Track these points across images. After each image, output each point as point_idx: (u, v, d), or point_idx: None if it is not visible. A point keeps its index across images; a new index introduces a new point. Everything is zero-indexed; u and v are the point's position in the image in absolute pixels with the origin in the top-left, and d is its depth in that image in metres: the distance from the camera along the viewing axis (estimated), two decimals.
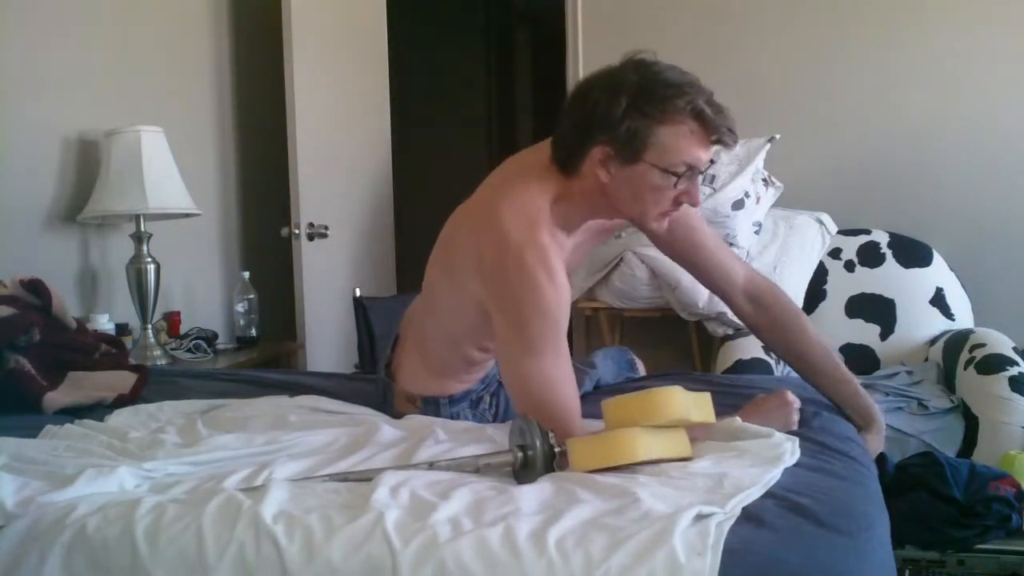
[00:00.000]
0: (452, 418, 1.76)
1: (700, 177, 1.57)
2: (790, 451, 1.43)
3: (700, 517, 1.16)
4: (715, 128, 1.50)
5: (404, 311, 3.07)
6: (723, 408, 1.57)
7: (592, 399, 1.78)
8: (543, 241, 1.51)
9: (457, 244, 1.66)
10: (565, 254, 1.61)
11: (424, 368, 1.77)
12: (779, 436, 1.48)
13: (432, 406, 1.77)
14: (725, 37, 3.74)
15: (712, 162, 1.57)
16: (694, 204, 1.60)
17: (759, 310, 1.86)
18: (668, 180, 1.52)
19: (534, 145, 1.71)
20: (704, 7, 3.77)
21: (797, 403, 1.66)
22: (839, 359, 1.90)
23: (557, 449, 1.40)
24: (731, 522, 1.16)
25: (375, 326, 2.91)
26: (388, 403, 1.85)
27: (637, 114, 1.47)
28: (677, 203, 1.58)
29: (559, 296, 1.51)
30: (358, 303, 2.95)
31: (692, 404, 1.46)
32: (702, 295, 3.11)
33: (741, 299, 1.86)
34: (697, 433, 1.49)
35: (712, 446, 1.48)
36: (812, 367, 1.87)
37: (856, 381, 1.87)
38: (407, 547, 1.13)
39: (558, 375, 1.52)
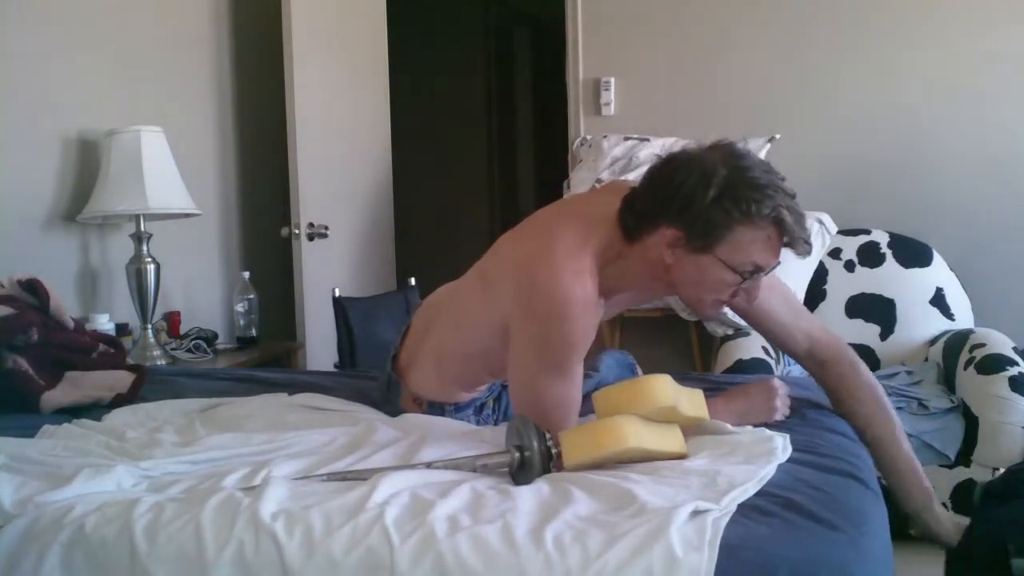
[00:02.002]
0: None
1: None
2: (782, 447, 1.43)
3: (696, 513, 1.16)
4: (793, 238, 1.49)
5: (382, 311, 3.10)
6: (710, 396, 1.58)
7: (589, 398, 1.78)
8: (585, 276, 1.52)
9: (501, 260, 1.68)
10: (600, 311, 1.60)
11: (437, 375, 1.77)
12: (769, 432, 1.49)
13: (437, 410, 1.77)
14: (725, 37, 3.75)
15: (779, 263, 1.55)
16: (751, 301, 1.59)
17: (823, 372, 1.80)
18: (733, 277, 1.51)
19: (610, 187, 1.70)
20: (704, 7, 3.77)
21: (782, 390, 1.66)
22: (903, 435, 1.79)
23: (554, 450, 1.41)
24: (727, 518, 1.16)
25: (354, 326, 2.92)
26: (392, 396, 1.84)
27: (719, 209, 1.45)
28: (734, 295, 1.57)
29: (588, 330, 1.53)
30: (337, 303, 2.96)
31: (683, 396, 1.47)
32: None
33: (806, 360, 1.81)
34: (691, 432, 1.50)
35: (705, 441, 1.48)
36: (875, 440, 1.75)
37: (917, 464, 1.78)
38: (406, 542, 1.14)
39: (569, 398, 1.54)
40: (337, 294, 3.00)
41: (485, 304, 1.65)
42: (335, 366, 3.09)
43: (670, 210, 1.49)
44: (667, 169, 1.53)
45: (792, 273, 3.23)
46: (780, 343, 1.82)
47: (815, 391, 1.90)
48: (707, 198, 1.45)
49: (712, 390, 1.77)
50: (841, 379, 1.79)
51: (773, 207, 1.45)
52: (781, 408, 1.66)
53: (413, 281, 3.45)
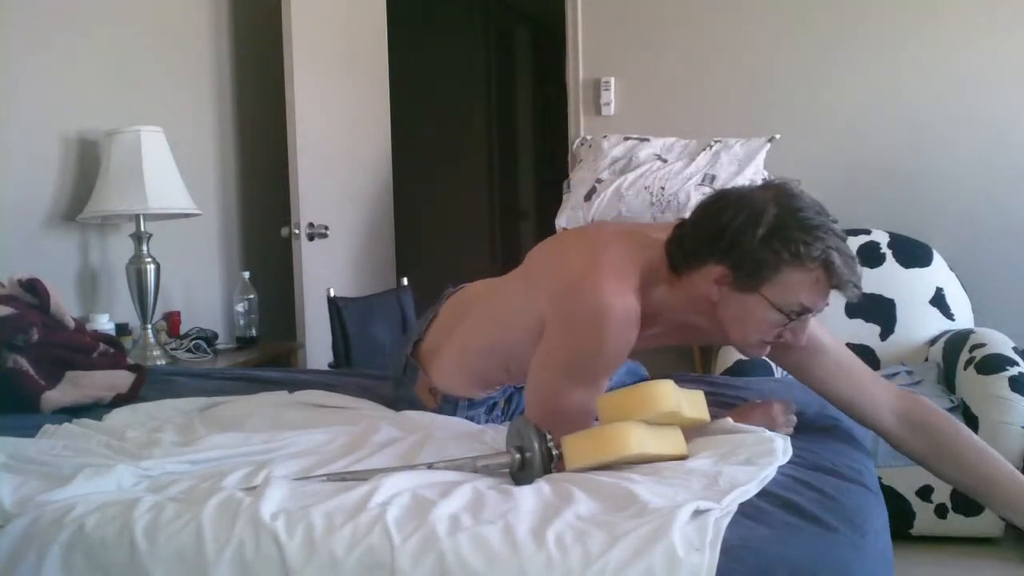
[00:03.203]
0: (467, 419, 1.77)
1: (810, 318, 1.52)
2: (782, 448, 1.43)
3: (697, 513, 1.16)
4: (842, 283, 1.46)
5: (376, 311, 3.11)
6: (716, 412, 1.57)
7: None
8: (628, 291, 1.51)
9: (547, 258, 1.68)
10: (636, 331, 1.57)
11: (457, 368, 1.77)
12: (770, 433, 1.49)
13: (450, 404, 1.77)
14: (725, 37, 3.75)
15: (827, 304, 1.51)
16: (797, 343, 1.54)
17: (916, 433, 1.64)
18: (779, 317, 1.49)
19: (657, 224, 1.65)
20: (704, 7, 3.77)
21: (784, 410, 1.63)
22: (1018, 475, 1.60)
23: (555, 452, 1.41)
24: (728, 518, 1.16)
25: (348, 325, 2.93)
26: (407, 381, 1.83)
27: (768, 249, 1.44)
28: (779, 337, 1.53)
29: (623, 344, 1.52)
30: (332, 303, 2.96)
31: (684, 399, 1.46)
32: None
33: (893, 424, 1.65)
34: (691, 433, 1.50)
35: (706, 441, 1.48)
36: (990, 480, 1.59)
37: None
38: (407, 541, 1.14)
39: (586, 409, 1.53)
40: (332, 294, 3.00)
41: (523, 300, 1.65)
42: (329, 366, 3.10)
43: (718, 247, 1.48)
44: (717, 206, 1.51)
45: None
46: (860, 404, 1.67)
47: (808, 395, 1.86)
48: (756, 237, 1.44)
49: (712, 391, 1.78)
50: (939, 436, 1.63)
51: (823, 249, 1.43)
52: (782, 423, 1.63)
53: (405, 281, 3.47)
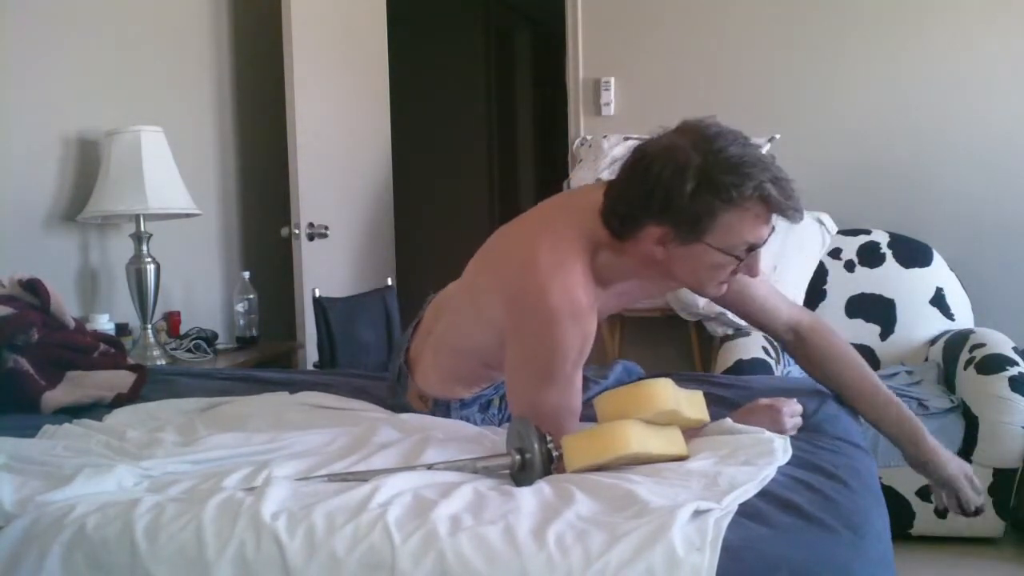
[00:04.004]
0: (462, 420, 1.77)
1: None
2: (782, 448, 1.43)
3: (698, 513, 1.16)
4: (781, 209, 1.45)
5: (361, 311, 3.12)
6: (717, 411, 1.57)
7: (590, 403, 1.78)
8: (574, 281, 1.50)
9: (487, 268, 1.68)
10: (598, 303, 1.57)
11: (436, 371, 1.77)
12: (770, 434, 1.49)
13: (443, 407, 1.77)
14: (725, 37, 3.75)
15: (773, 229, 1.51)
16: (753, 276, 1.58)
17: (798, 339, 1.82)
18: (728, 259, 1.49)
19: (594, 185, 1.66)
20: (704, 7, 3.77)
21: (790, 411, 1.63)
22: (883, 387, 1.81)
23: (555, 453, 1.41)
24: (729, 519, 1.16)
25: (333, 325, 2.94)
26: (400, 390, 1.83)
27: (701, 201, 1.42)
28: (734, 273, 1.55)
29: (581, 337, 1.50)
30: (317, 303, 2.98)
31: (683, 399, 1.46)
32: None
33: (784, 333, 1.82)
34: (691, 434, 1.50)
35: (706, 442, 1.48)
36: (848, 386, 1.79)
37: (903, 406, 1.77)
38: (408, 541, 1.14)
39: (564, 406, 1.53)
40: (317, 294, 3.01)
41: (478, 302, 1.65)
42: (315, 365, 3.11)
43: (651, 208, 1.46)
44: (640, 165, 1.49)
45: (792, 273, 3.23)
46: (762, 321, 1.83)
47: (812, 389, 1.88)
48: (686, 192, 1.42)
49: (712, 392, 1.77)
50: (825, 346, 1.80)
51: (755, 185, 1.41)
52: (790, 426, 1.61)
53: (390, 281, 3.48)
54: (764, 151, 3.51)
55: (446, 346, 1.75)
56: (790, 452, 1.44)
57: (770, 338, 2.83)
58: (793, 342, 1.82)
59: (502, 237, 1.72)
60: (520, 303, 1.51)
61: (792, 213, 1.46)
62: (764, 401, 1.65)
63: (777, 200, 1.43)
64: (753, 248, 1.49)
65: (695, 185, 1.41)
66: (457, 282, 1.83)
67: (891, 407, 1.75)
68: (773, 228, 1.50)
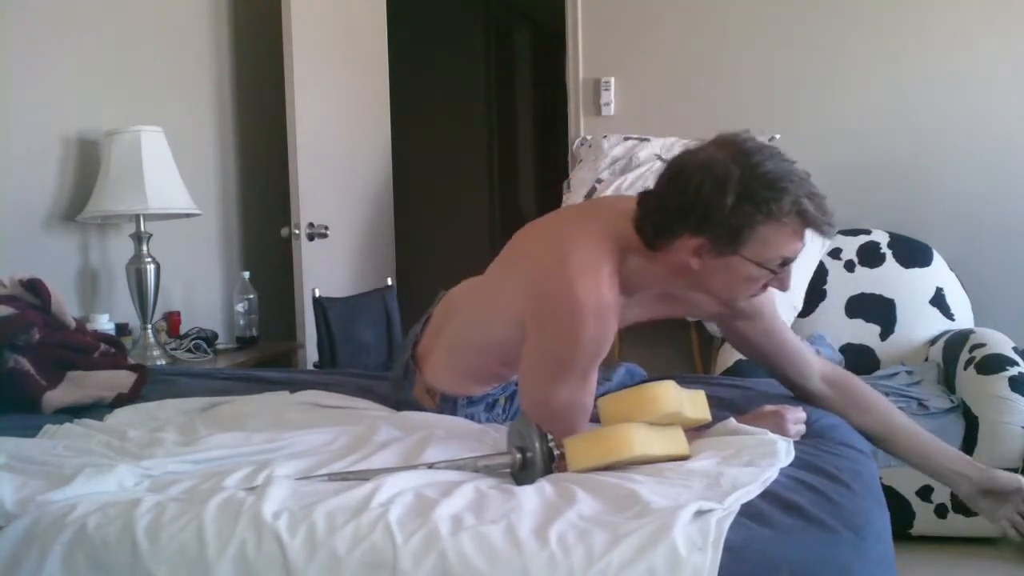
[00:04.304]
0: (467, 418, 1.77)
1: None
2: (785, 450, 1.43)
3: (700, 513, 1.16)
4: (816, 224, 1.48)
5: (361, 311, 3.12)
6: (717, 413, 1.57)
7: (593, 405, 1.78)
8: (602, 277, 1.51)
9: (515, 262, 1.69)
10: (620, 310, 1.58)
11: (450, 367, 1.78)
12: (773, 435, 1.49)
13: (449, 403, 1.78)
14: (725, 37, 3.75)
15: (803, 245, 1.54)
16: (784, 290, 1.59)
17: (836, 391, 1.82)
18: (762, 272, 1.51)
19: (626, 196, 1.68)
20: (704, 7, 3.77)
21: (794, 418, 1.63)
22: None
23: (556, 452, 1.41)
24: (731, 519, 1.16)
25: (333, 325, 2.94)
26: (407, 384, 1.84)
27: (741, 214, 1.44)
28: (765, 287, 1.57)
29: (602, 334, 1.52)
30: (317, 303, 2.98)
31: (686, 399, 1.46)
32: None
33: (819, 384, 1.82)
34: (694, 434, 1.51)
35: (709, 442, 1.48)
36: (895, 428, 1.80)
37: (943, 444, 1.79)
38: (409, 540, 1.14)
39: (578, 403, 1.54)
40: (317, 294, 3.02)
41: (500, 295, 1.66)
42: (315, 365, 3.12)
43: (690, 219, 1.48)
44: (679, 178, 1.50)
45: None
46: (793, 366, 1.82)
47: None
48: (726, 204, 1.43)
49: (712, 392, 1.77)
50: (866, 392, 1.82)
51: (793, 200, 1.44)
52: (794, 432, 1.62)
53: (390, 281, 3.48)
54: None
55: (465, 341, 1.76)
56: (793, 454, 1.44)
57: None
58: (830, 392, 1.82)
59: (532, 232, 1.73)
60: (546, 294, 1.53)
61: (827, 228, 1.49)
62: (769, 408, 1.66)
63: (813, 215, 1.46)
64: (787, 262, 1.52)
65: (735, 198, 1.44)
66: (477, 278, 1.84)
67: (936, 444, 1.78)
68: (804, 245, 1.53)
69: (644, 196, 1.57)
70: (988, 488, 1.70)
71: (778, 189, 1.43)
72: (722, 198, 1.44)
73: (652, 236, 1.53)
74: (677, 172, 1.51)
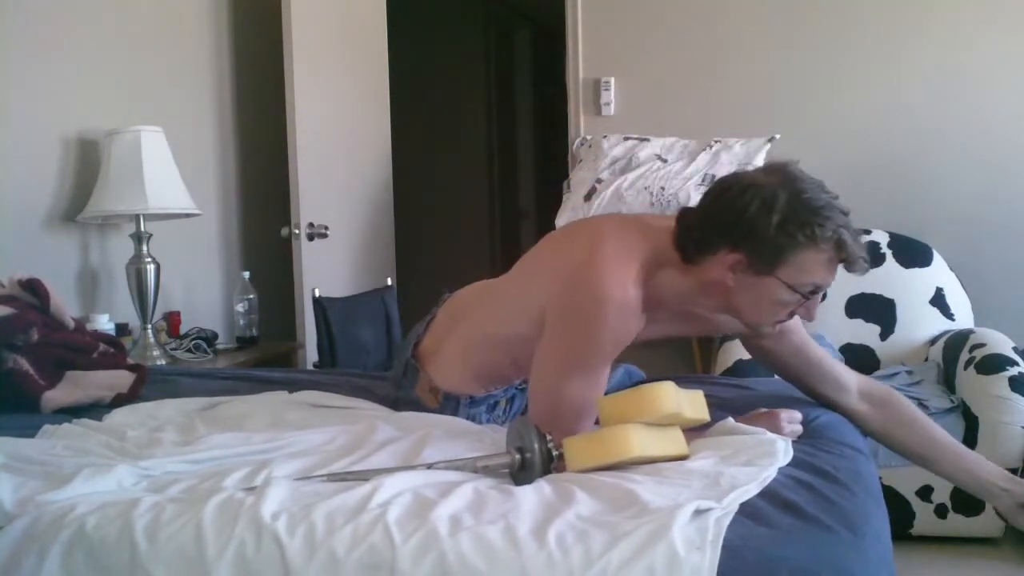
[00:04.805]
0: (468, 418, 1.77)
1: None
2: (783, 450, 1.43)
3: (698, 513, 1.16)
4: (853, 259, 1.52)
5: (360, 311, 3.13)
6: (716, 414, 1.58)
7: None
8: (629, 279, 1.53)
9: (547, 255, 1.72)
10: (642, 322, 1.61)
11: (460, 365, 1.78)
12: (772, 435, 1.49)
13: (452, 402, 1.78)
14: (725, 37, 3.75)
15: (833, 279, 1.57)
16: (810, 319, 1.61)
17: (875, 408, 1.80)
18: (793, 297, 1.54)
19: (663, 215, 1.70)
20: (704, 7, 3.77)
21: (789, 417, 1.63)
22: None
23: (555, 452, 1.41)
24: (729, 518, 1.16)
25: (333, 325, 2.95)
26: (407, 384, 1.84)
27: (784, 234, 1.48)
28: (792, 315, 1.60)
29: (621, 332, 1.54)
30: (317, 303, 2.98)
31: (685, 400, 1.47)
32: None
33: (857, 401, 1.81)
34: (693, 434, 1.51)
35: (708, 442, 1.48)
36: (939, 447, 1.78)
37: (980, 458, 1.79)
38: (408, 541, 1.14)
39: (587, 399, 1.55)
40: (317, 294, 3.02)
41: (524, 291, 1.69)
42: (314, 365, 3.12)
43: (732, 236, 1.51)
44: (728, 194, 1.54)
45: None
46: (828, 384, 1.81)
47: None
48: (771, 224, 1.47)
49: (711, 392, 1.77)
50: (908, 410, 1.80)
51: (834, 229, 1.48)
52: (788, 431, 1.62)
53: (390, 281, 3.48)
54: (764, 151, 3.52)
55: (481, 338, 1.76)
56: (791, 453, 1.44)
57: None
58: (868, 410, 1.80)
59: (564, 233, 1.77)
60: (573, 284, 1.55)
61: (861, 264, 1.53)
62: (764, 409, 1.67)
63: (851, 248, 1.50)
64: (817, 290, 1.54)
65: (781, 219, 1.47)
66: (490, 280, 1.86)
67: (975, 458, 1.77)
68: (835, 277, 1.56)
69: (684, 212, 1.60)
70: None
71: (822, 216, 1.48)
72: (768, 216, 1.47)
73: (692, 249, 1.56)
74: (725, 189, 1.56)
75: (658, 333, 1.72)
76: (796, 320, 1.74)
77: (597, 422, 1.52)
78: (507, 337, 1.70)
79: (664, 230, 1.60)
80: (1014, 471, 2.63)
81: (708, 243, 1.54)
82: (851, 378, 1.82)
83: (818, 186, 1.52)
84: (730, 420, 1.56)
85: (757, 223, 1.48)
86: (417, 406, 1.80)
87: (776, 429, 1.58)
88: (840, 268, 1.55)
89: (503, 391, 1.81)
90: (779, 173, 1.53)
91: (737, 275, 1.53)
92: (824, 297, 1.63)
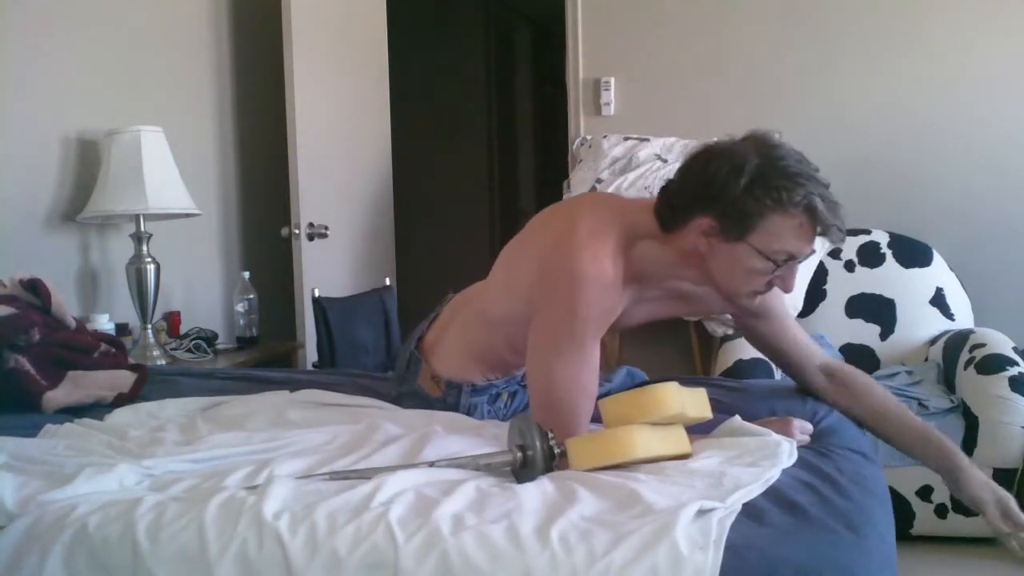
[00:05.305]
0: (470, 408, 1.79)
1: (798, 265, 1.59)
2: (788, 451, 1.43)
3: (701, 513, 1.16)
4: (825, 226, 1.51)
5: (359, 311, 3.13)
6: (720, 416, 1.58)
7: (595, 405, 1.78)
8: (604, 253, 1.54)
9: (527, 240, 1.73)
10: (624, 300, 1.62)
11: (463, 350, 1.80)
12: (776, 436, 1.49)
13: (454, 391, 1.79)
14: (725, 37, 3.75)
15: (813, 251, 1.57)
16: (787, 291, 1.62)
17: (833, 380, 1.84)
18: (766, 265, 1.53)
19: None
20: (704, 8, 3.77)
21: (800, 425, 1.63)
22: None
23: (557, 450, 1.41)
24: (732, 518, 1.16)
25: (333, 325, 2.95)
26: (410, 376, 1.86)
27: (751, 198, 1.48)
28: (770, 285, 1.60)
29: (604, 305, 1.55)
30: (317, 303, 2.98)
31: (688, 399, 1.47)
32: None
33: (819, 376, 1.85)
34: (698, 435, 1.51)
35: (711, 442, 1.49)
36: (887, 418, 1.79)
37: (943, 438, 1.76)
38: (411, 540, 1.14)
39: (579, 380, 1.55)
40: (316, 294, 3.02)
41: (510, 273, 1.71)
42: (314, 365, 3.12)
43: (703, 199, 1.52)
44: (700, 160, 1.55)
45: (796, 274, 3.23)
46: (795, 362, 1.85)
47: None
48: (739, 187, 1.47)
49: (711, 393, 1.77)
50: (863, 381, 1.83)
51: (805, 194, 1.47)
52: (797, 437, 1.61)
53: (389, 281, 3.48)
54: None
55: (478, 318, 1.78)
56: (796, 455, 1.44)
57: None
58: (828, 384, 1.83)
59: (548, 213, 1.77)
60: (551, 265, 1.56)
61: (835, 232, 1.52)
62: (775, 418, 1.67)
63: (823, 214, 1.49)
64: (791, 259, 1.54)
65: (748, 182, 1.48)
66: (493, 267, 1.87)
67: (931, 435, 1.74)
68: (814, 250, 1.56)
69: (666, 184, 1.62)
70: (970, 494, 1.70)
71: (793, 182, 1.47)
72: (736, 179, 1.48)
73: (668, 215, 1.57)
74: (699, 155, 1.57)
75: (651, 314, 1.75)
76: (782, 306, 1.80)
77: (599, 420, 1.52)
78: (501, 319, 1.72)
79: (642, 206, 1.63)
80: (1013, 471, 2.64)
81: (683, 209, 1.55)
82: (820, 357, 1.86)
83: (795, 156, 1.51)
84: (737, 419, 1.56)
85: (726, 187, 1.49)
86: (420, 397, 1.82)
87: (787, 432, 1.58)
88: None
89: (504, 382, 1.82)
90: (755, 140, 1.54)
91: (710, 241, 1.54)
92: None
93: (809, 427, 1.65)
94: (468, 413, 1.79)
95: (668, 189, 1.60)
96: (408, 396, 1.84)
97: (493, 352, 1.77)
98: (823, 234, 1.53)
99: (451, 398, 1.79)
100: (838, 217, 1.51)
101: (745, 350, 2.89)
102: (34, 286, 2.14)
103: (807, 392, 1.86)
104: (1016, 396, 2.61)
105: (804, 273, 3.27)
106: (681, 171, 1.59)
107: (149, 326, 2.88)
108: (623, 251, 1.57)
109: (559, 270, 1.54)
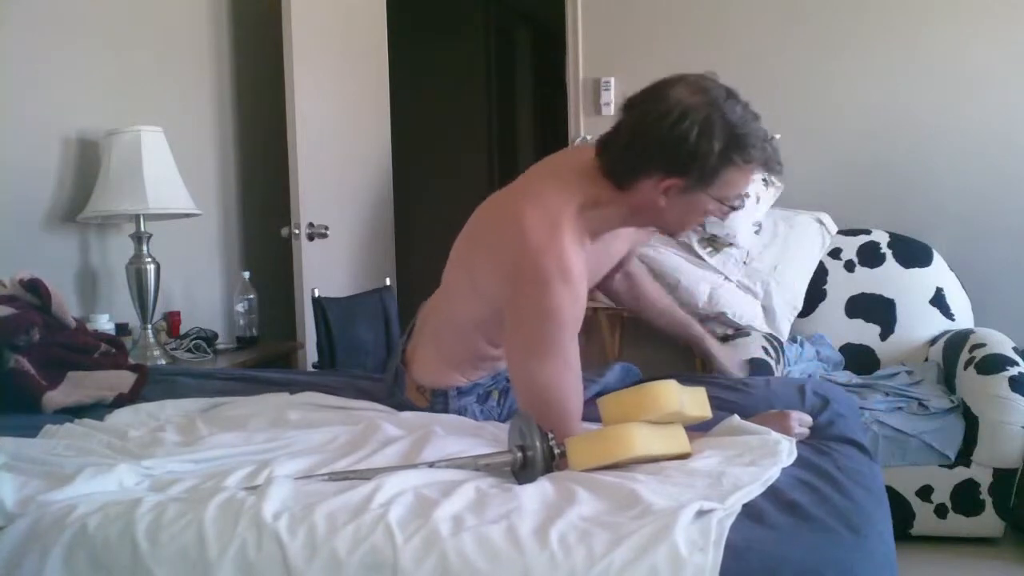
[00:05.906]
0: (460, 411, 1.78)
1: None
2: (787, 451, 1.43)
3: (701, 513, 1.16)
4: (774, 170, 1.61)
5: (359, 311, 3.13)
6: (720, 415, 1.58)
7: (593, 404, 1.78)
8: (563, 245, 1.54)
9: (478, 239, 1.73)
10: (590, 260, 1.63)
11: (437, 357, 1.80)
12: (776, 435, 1.49)
13: (441, 398, 1.79)
14: (725, 37, 3.75)
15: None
16: (723, 220, 1.78)
17: (631, 278, 2.11)
18: (721, 208, 1.62)
19: (577, 148, 1.78)
20: (704, 7, 3.77)
21: (799, 417, 1.64)
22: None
23: (557, 450, 1.41)
24: (732, 519, 1.16)
25: (333, 325, 2.95)
26: (399, 390, 1.86)
27: (726, 160, 1.54)
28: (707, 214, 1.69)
29: (573, 302, 1.54)
30: (317, 303, 2.98)
31: (687, 398, 1.47)
32: (702, 294, 3.11)
33: (619, 280, 2.09)
34: (697, 433, 1.50)
35: (711, 442, 1.48)
36: (655, 307, 2.15)
37: (692, 321, 2.19)
38: (410, 541, 1.14)
39: (562, 378, 1.54)
40: (316, 294, 3.02)
41: (472, 274, 1.69)
42: (314, 366, 3.11)
43: (668, 161, 1.55)
44: (661, 121, 1.56)
45: (792, 273, 3.24)
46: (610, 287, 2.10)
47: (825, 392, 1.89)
48: (714, 151, 1.52)
49: (711, 392, 1.77)
50: (635, 278, 2.14)
51: (762, 147, 1.56)
52: (796, 431, 1.62)
53: (388, 281, 3.48)
54: None
55: (447, 325, 1.77)
56: (795, 454, 1.44)
57: (770, 338, 2.85)
58: (626, 286, 2.11)
59: (489, 210, 1.78)
60: (514, 273, 1.55)
61: (779, 168, 1.61)
62: (773, 412, 1.68)
63: (773, 161, 1.58)
64: (740, 199, 1.64)
65: (723, 146, 1.52)
66: (446, 268, 1.85)
67: (693, 329, 2.17)
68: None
69: (608, 139, 1.65)
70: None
71: (753, 137, 1.54)
72: (709, 144, 1.52)
73: (621, 173, 1.61)
74: (652, 109, 1.60)
75: (608, 262, 1.88)
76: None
77: (598, 419, 1.52)
78: (472, 322, 1.71)
79: (581, 171, 1.65)
80: (1013, 471, 2.64)
81: (639, 166, 1.58)
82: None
83: (736, 101, 1.56)
84: (735, 418, 1.56)
85: (697, 149, 1.52)
86: (411, 409, 1.81)
87: (785, 429, 1.58)
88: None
89: (491, 378, 1.81)
90: (702, 92, 1.57)
91: (670, 195, 1.58)
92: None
93: (808, 419, 1.66)
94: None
95: (616, 146, 1.62)
96: (399, 408, 1.83)
97: (470, 351, 1.76)
98: (772, 174, 1.63)
99: (439, 405, 1.78)
100: (777, 152, 1.60)
101: (744, 350, 2.89)
102: (34, 286, 2.15)
103: (609, 298, 2.15)
104: (1016, 396, 2.61)
105: (804, 273, 3.28)
106: (635, 129, 1.60)
107: (149, 326, 2.88)
108: (579, 232, 1.59)
109: (524, 278, 1.53)
